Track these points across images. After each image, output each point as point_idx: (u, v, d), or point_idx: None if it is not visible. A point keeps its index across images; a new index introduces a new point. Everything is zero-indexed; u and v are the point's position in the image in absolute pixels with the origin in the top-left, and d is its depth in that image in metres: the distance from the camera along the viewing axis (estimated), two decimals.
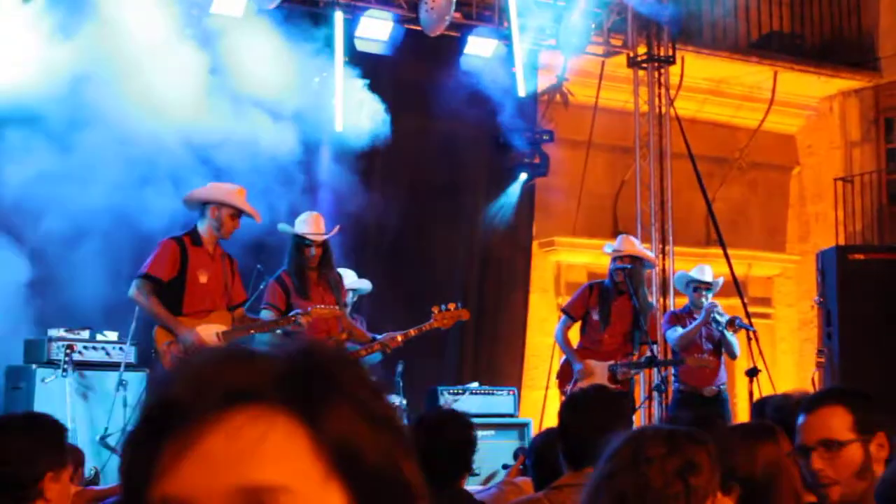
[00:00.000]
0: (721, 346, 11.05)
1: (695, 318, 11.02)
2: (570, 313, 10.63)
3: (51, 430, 4.30)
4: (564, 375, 10.45)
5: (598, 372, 10.18)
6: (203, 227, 8.74)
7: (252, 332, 8.99)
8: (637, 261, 10.47)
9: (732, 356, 11.14)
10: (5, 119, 10.32)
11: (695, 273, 11.24)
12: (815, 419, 3.50)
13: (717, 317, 10.86)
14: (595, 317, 10.40)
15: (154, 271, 8.51)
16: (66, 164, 10.27)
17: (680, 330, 11.03)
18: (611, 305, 10.39)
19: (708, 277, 11.15)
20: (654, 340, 10.60)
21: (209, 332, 8.52)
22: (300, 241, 9.22)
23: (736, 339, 11.10)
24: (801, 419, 3.56)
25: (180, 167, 10.74)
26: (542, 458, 5.11)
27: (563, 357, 10.64)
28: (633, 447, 2.60)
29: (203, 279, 8.63)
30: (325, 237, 9.29)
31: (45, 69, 10.21)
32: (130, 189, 10.86)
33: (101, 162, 10.47)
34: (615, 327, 10.37)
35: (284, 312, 9.09)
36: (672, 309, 11.82)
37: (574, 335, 10.70)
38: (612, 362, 10.24)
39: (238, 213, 8.74)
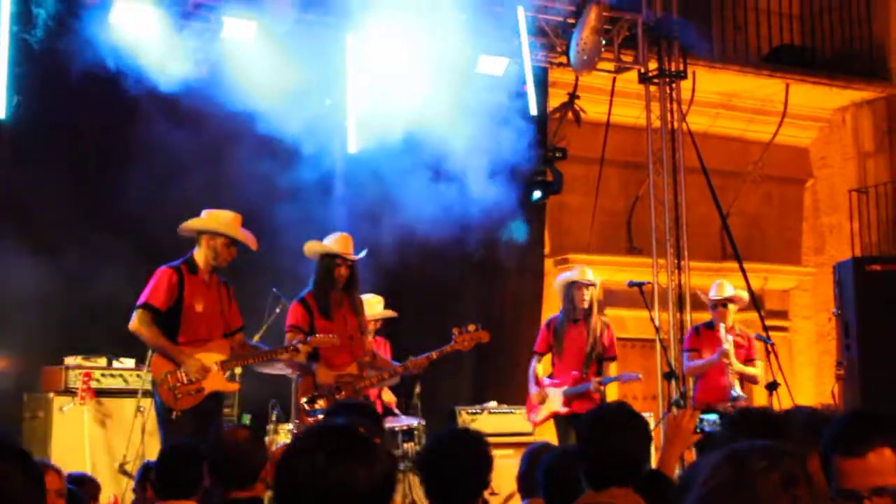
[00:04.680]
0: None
1: (717, 334, 11.03)
2: (536, 351, 11.13)
3: None
4: (530, 405, 11.00)
5: (553, 397, 10.73)
6: (199, 256, 8.73)
7: (250, 360, 8.98)
8: (593, 286, 10.89)
9: (755, 382, 11.24)
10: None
11: (713, 293, 11.25)
12: (865, 465, 3.41)
13: (731, 376, 10.88)
14: (555, 347, 10.92)
15: (152, 300, 8.49)
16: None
17: (693, 360, 11.15)
18: (563, 336, 10.81)
19: (727, 293, 11.15)
20: (614, 356, 10.97)
21: (209, 360, 8.53)
22: (330, 261, 9.20)
23: (756, 370, 11.14)
24: (843, 461, 3.44)
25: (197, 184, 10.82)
26: (555, 477, 5.11)
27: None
28: (734, 464, 2.57)
29: (199, 308, 8.60)
30: (357, 258, 9.27)
31: None
32: (150, 210, 10.94)
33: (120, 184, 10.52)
34: (568, 355, 10.78)
35: (308, 333, 9.05)
36: (695, 325, 11.86)
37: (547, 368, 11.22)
38: (565, 387, 10.67)
39: (233, 241, 8.73)
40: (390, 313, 11.05)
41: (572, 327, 10.78)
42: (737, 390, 10.92)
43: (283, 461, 2.83)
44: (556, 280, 11.14)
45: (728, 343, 10.93)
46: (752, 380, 11.17)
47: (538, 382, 10.85)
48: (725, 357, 10.89)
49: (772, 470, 2.52)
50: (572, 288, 10.79)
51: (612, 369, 10.84)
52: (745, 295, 11.49)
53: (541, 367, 11.05)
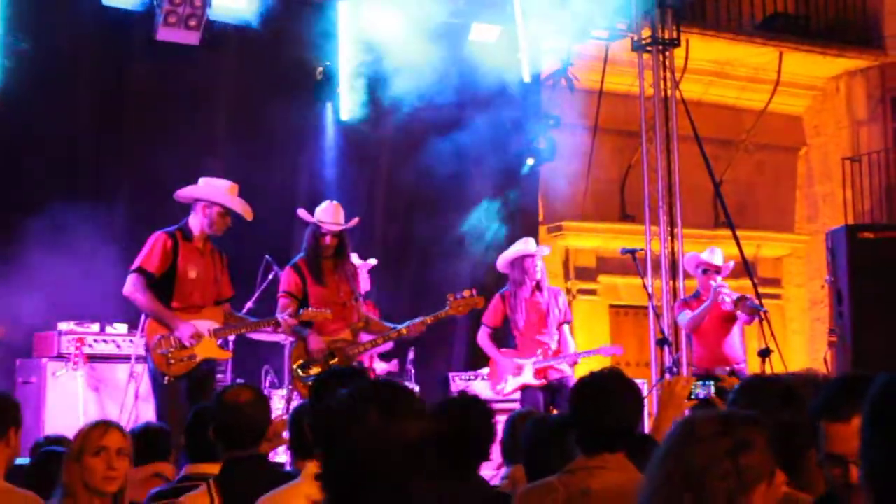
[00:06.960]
0: (733, 327, 10.99)
1: (704, 302, 10.97)
2: (487, 324, 10.84)
3: None
4: (494, 375, 10.75)
5: (525, 369, 10.56)
6: (194, 223, 8.75)
7: (242, 330, 9.01)
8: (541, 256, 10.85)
9: (755, 315, 11.00)
10: None
11: (705, 255, 11.16)
12: (850, 429, 3.39)
13: (726, 298, 10.81)
14: (515, 320, 10.67)
15: (146, 265, 8.51)
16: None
17: (689, 313, 11.00)
18: (521, 308, 10.64)
19: (718, 260, 11.07)
20: (570, 319, 10.94)
21: (203, 327, 8.55)
22: (317, 229, 9.21)
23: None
24: (829, 426, 3.43)
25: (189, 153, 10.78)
26: (536, 445, 5.12)
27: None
28: (687, 428, 2.65)
29: (192, 275, 8.62)
30: (343, 227, 9.27)
31: None
32: (142, 174, 10.90)
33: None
34: (529, 325, 10.64)
35: (301, 300, 9.08)
36: (683, 296, 11.81)
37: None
38: (534, 359, 10.54)
39: (228, 211, 8.75)
40: (370, 262, 11.00)
41: (528, 299, 10.71)
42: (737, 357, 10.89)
43: (332, 422, 2.83)
44: (502, 256, 10.98)
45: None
46: (754, 304, 10.96)
47: (504, 353, 10.69)
48: (724, 290, 10.79)
49: (722, 436, 2.61)
50: (524, 260, 10.72)
51: (569, 332, 10.76)
52: (731, 265, 11.44)
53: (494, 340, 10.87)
